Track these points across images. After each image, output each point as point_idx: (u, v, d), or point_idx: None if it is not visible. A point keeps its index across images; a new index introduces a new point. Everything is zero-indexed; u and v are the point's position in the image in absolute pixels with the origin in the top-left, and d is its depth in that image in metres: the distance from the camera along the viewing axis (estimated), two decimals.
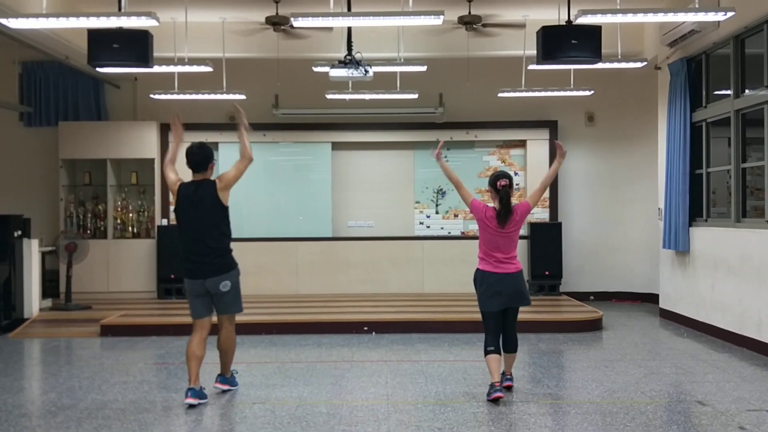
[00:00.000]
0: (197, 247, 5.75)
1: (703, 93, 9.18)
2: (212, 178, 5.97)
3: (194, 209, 5.78)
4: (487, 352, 5.83)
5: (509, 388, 6.08)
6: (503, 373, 6.06)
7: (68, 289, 10.60)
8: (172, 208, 6.18)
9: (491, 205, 5.95)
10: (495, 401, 5.71)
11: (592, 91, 10.63)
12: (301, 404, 5.79)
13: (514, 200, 6.00)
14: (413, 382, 6.56)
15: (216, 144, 11.75)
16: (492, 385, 5.75)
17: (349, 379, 6.68)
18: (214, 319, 5.95)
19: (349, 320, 9.20)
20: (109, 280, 11.56)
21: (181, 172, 6.08)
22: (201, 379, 5.85)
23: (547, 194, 11.84)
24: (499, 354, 5.86)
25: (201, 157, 5.91)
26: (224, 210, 5.87)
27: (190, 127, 11.76)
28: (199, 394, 5.70)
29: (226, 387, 6.09)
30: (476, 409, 5.58)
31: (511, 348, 6.02)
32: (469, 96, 11.72)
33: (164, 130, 11.78)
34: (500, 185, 5.86)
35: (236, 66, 10.83)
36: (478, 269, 5.96)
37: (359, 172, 12.17)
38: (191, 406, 5.64)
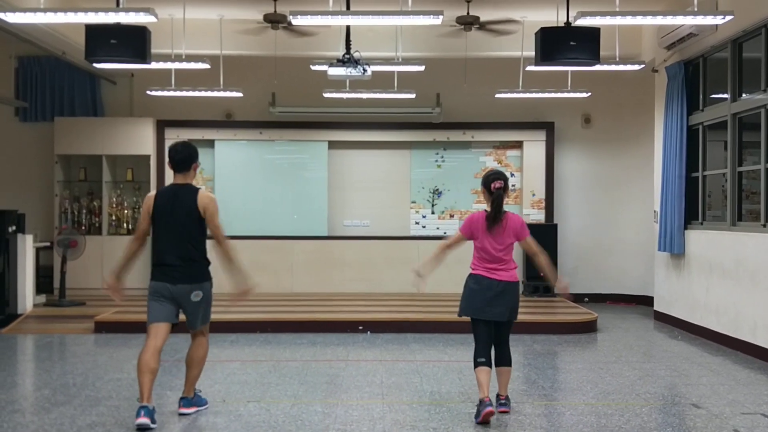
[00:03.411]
0: (172, 252, 5.29)
1: (700, 96, 9.20)
2: (194, 181, 5.49)
3: (172, 214, 5.30)
4: (477, 364, 5.32)
5: (504, 413, 5.44)
6: (498, 396, 5.48)
7: (62, 285, 10.57)
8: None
9: (482, 209, 5.57)
10: (486, 421, 5.18)
11: (589, 93, 10.64)
12: (296, 403, 5.78)
13: (511, 204, 5.72)
14: (408, 381, 6.55)
15: (212, 141, 11.74)
16: (481, 402, 5.21)
17: (344, 378, 6.67)
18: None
19: (344, 319, 9.19)
20: (104, 277, 11.49)
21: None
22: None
23: (543, 196, 11.86)
24: (490, 367, 5.36)
25: (185, 155, 5.39)
26: (203, 220, 5.35)
27: (186, 124, 11.82)
28: (152, 413, 5.09)
29: (192, 410, 5.46)
30: (471, 409, 5.56)
31: (504, 361, 5.50)
32: (467, 96, 11.71)
33: (161, 126, 11.77)
34: (494, 188, 5.41)
35: (234, 63, 10.82)
36: (470, 274, 5.49)
37: (355, 171, 12.16)
38: (142, 429, 5.00)
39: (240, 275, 5.42)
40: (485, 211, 5.50)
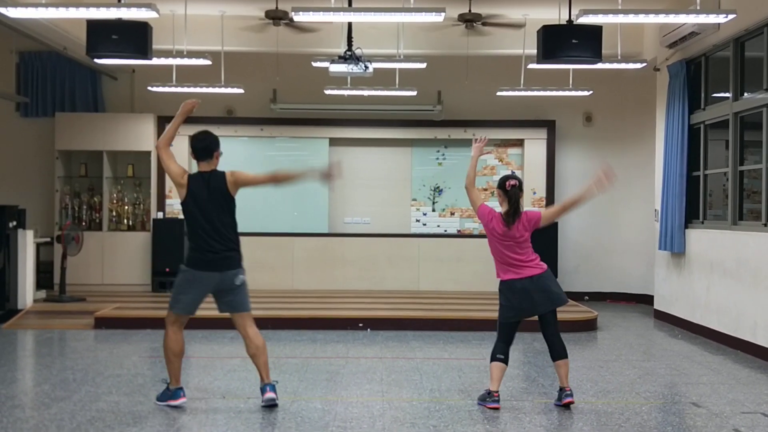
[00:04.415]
0: (215, 240, 5.45)
1: (702, 95, 9.19)
2: (218, 169, 5.60)
3: (209, 202, 5.45)
4: (493, 357, 5.54)
5: (568, 405, 5.55)
6: (562, 389, 5.60)
7: (62, 281, 10.56)
8: (178, 201, 5.66)
9: (499, 210, 5.66)
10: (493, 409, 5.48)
11: (591, 92, 10.63)
12: (296, 400, 5.78)
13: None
14: (408, 379, 6.55)
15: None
16: (490, 394, 5.52)
17: (344, 376, 6.67)
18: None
19: (345, 317, 9.18)
20: (104, 273, 11.53)
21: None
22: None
23: (543, 194, 11.85)
24: (506, 364, 5.55)
25: (205, 144, 5.54)
26: (233, 202, 5.60)
27: (187, 120, 11.66)
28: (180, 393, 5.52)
29: (273, 395, 5.50)
30: (471, 407, 5.57)
31: (559, 353, 5.59)
32: (468, 94, 11.70)
33: (161, 122, 11.74)
34: (510, 185, 5.60)
35: (235, 59, 10.81)
36: (501, 281, 5.57)
37: (356, 168, 12.13)
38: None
39: (305, 174, 5.73)
40: (501, 212, 5.61)
